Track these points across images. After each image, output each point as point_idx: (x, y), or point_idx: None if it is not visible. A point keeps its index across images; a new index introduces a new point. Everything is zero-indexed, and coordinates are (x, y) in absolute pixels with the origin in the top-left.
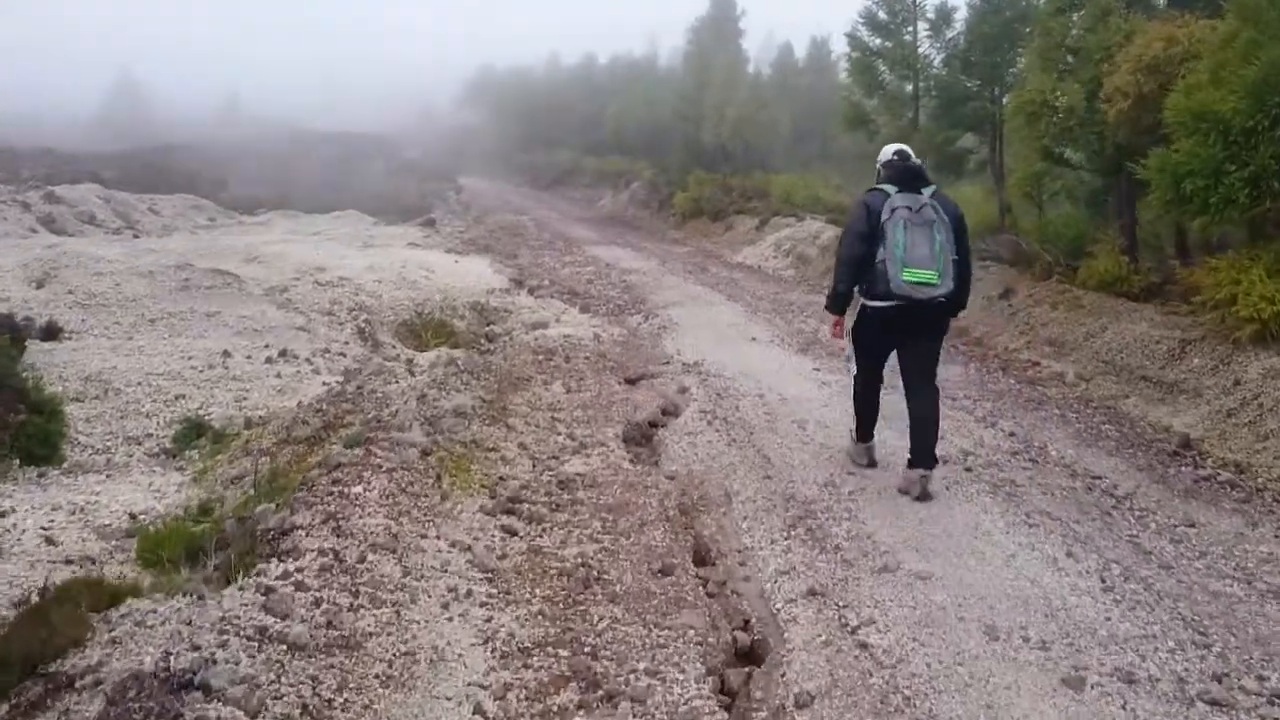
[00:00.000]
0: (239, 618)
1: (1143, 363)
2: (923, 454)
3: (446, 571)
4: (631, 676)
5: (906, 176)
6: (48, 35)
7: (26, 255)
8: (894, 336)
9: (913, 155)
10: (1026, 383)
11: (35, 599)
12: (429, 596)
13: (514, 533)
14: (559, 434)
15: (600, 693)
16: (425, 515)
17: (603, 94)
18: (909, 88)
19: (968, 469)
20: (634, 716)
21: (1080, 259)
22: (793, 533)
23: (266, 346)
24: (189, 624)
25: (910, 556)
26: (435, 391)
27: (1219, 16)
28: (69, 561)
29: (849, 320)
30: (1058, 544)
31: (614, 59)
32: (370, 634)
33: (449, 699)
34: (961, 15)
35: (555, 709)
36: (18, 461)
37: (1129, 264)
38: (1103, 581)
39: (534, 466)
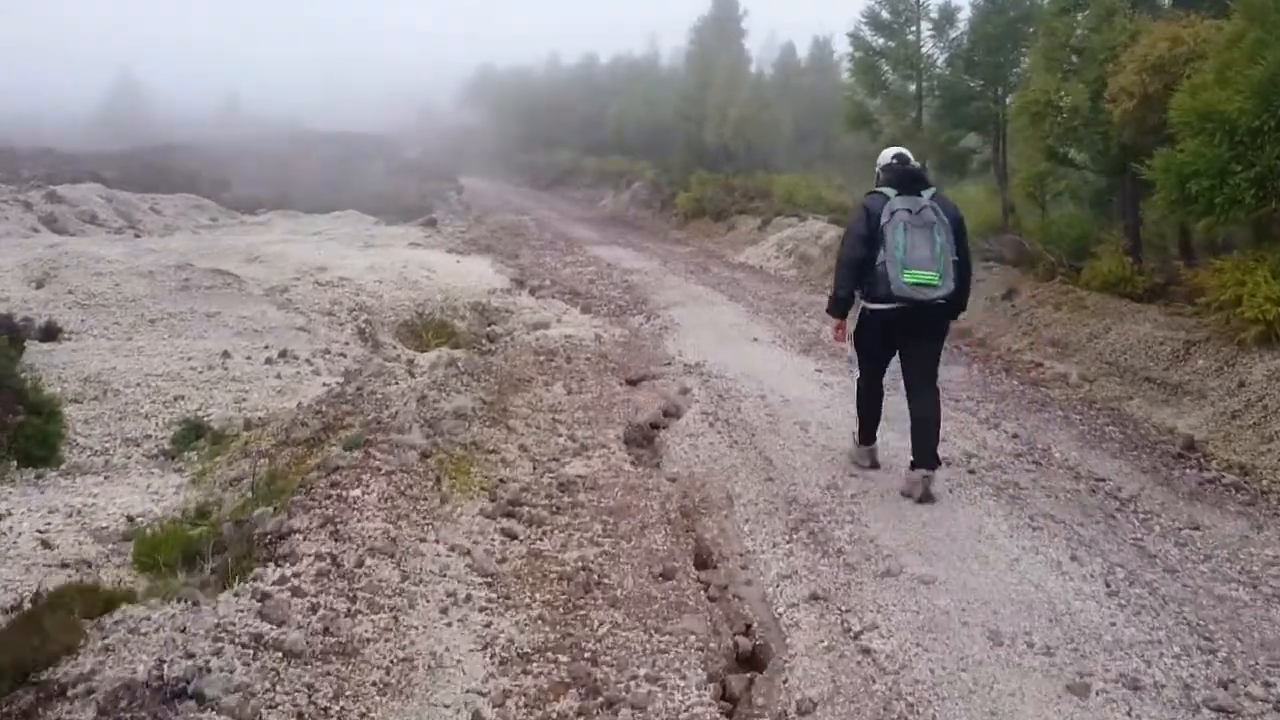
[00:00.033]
0: (234, 624)
1: (1147, 364)
2: (925, 455)
3: (445, 576)
4: (632, 683)
5: (906, 179)
6: (48, 35)
7: (26, 255)
8: (895, 338)
9: (912, 158)
10: (1029, 384)
11: (28, 605)
12: (427, 601)
13: (514, 536)
14: (560, 436)
15: (600, 699)
16: (424, 518)
17: (604, 94)
18: (912, 88)
19: (971, 471)
20: None
21: (1084, 259)
22: (795, 536)
23: (266, 347)
24: (183, 631)
25: (913, 560)
26: (435, 393)
27: (1225, 16)
28: (65, 565)
29: (850, 323)
30: (1062, 547)
31: (615, 59)
32: (367, 640)
33: (447, 706)
34: (965, 15)
35: (555, 716)
36: (15, 463)
37: (1133, 265)
38: (1107, 586)
39: (534, 469)
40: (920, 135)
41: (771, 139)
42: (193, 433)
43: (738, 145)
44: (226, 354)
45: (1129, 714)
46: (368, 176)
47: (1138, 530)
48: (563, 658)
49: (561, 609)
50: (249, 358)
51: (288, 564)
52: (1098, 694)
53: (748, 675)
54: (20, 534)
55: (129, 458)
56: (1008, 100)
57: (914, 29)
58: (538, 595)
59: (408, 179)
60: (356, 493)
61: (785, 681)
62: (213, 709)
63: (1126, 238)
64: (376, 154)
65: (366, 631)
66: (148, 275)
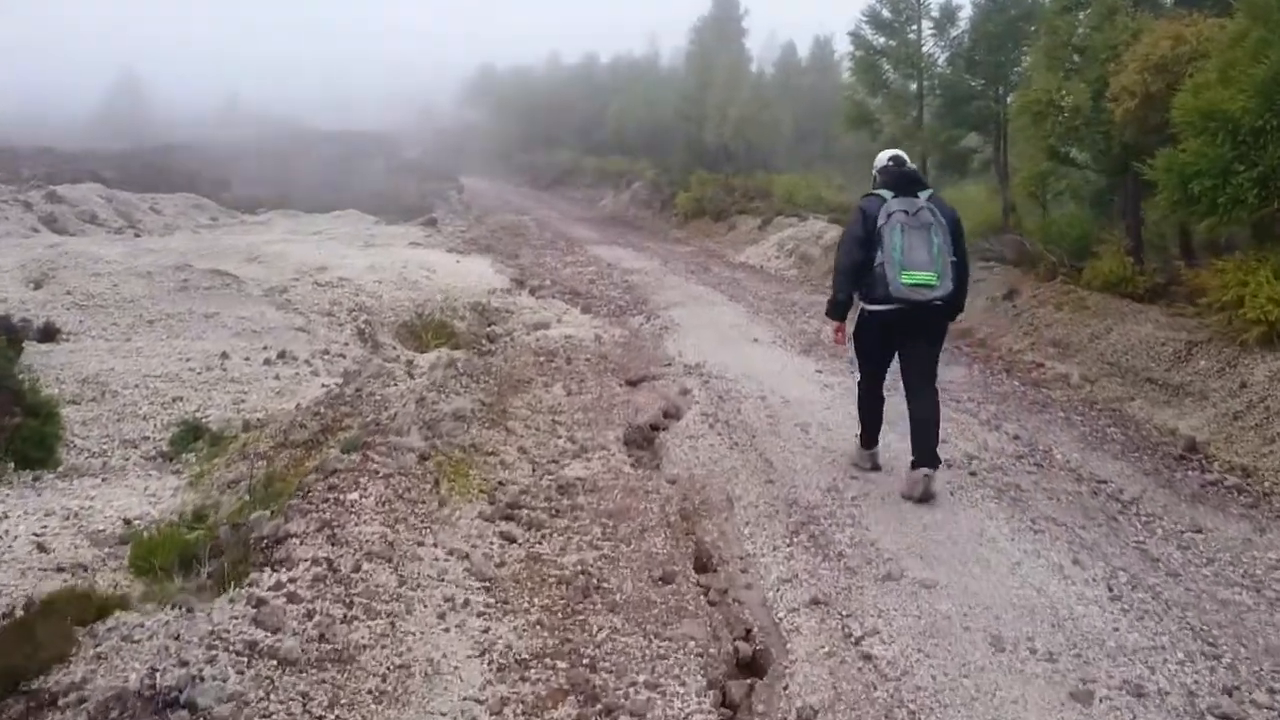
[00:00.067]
0: (228, 632)
1: (1148, 365)
2: (925, 453)
3: (443, 580)
4: (631, 690)
5: (902, 181)
6: (48, 34)
7: (25, 255)
8: (894, 339)
9: (908, 160)
10: (1030, 385)
11: (20, 612)
12: (425, 607)
13: (513, 539)
14: (559, 437)
15: (599, 707)
16: (422, 522)
17: (604, 93)
18: (913, 87)
19: (972, 473)
20: None
21: (1085, 259)
22: (795, 539)
23: (265, 348)
24: (177, 639)
25: (914, 564)
26: (434, 394)
27: (1227, 15)
28: (60, 569)
29: (850, 325)
30: (1064, 551)
31: (615, 58)
32: (364, 647)
33: (444, 715)
34: (966, 14)
35: None
36: (12, 465)
37: (1134, 265)
38: (1110, 590)
39: (534, 471)
40: (921, 134)
41: (772, 139)
42: (191, 434)
43: (738, 145)
44: (225, 355)
45: None
46: (368, 176)
47: (1140, 533)
48: (561, 664)
49: (560, 614)
50: (248, 359)
51: (284, 569)
52: (1101, 701)
53: (748, 681)
54: (16, 537)
55: (127, 459)
56: (1009, 99)
57: (915, 28)
58: (536, 600)
59: (408, 178)
60: (354, 496)
61: (786, 688)
62: (205, 718)
63: (1128, 238)
64: (377, 153)
65: (363, 638)
66: (146, 276)
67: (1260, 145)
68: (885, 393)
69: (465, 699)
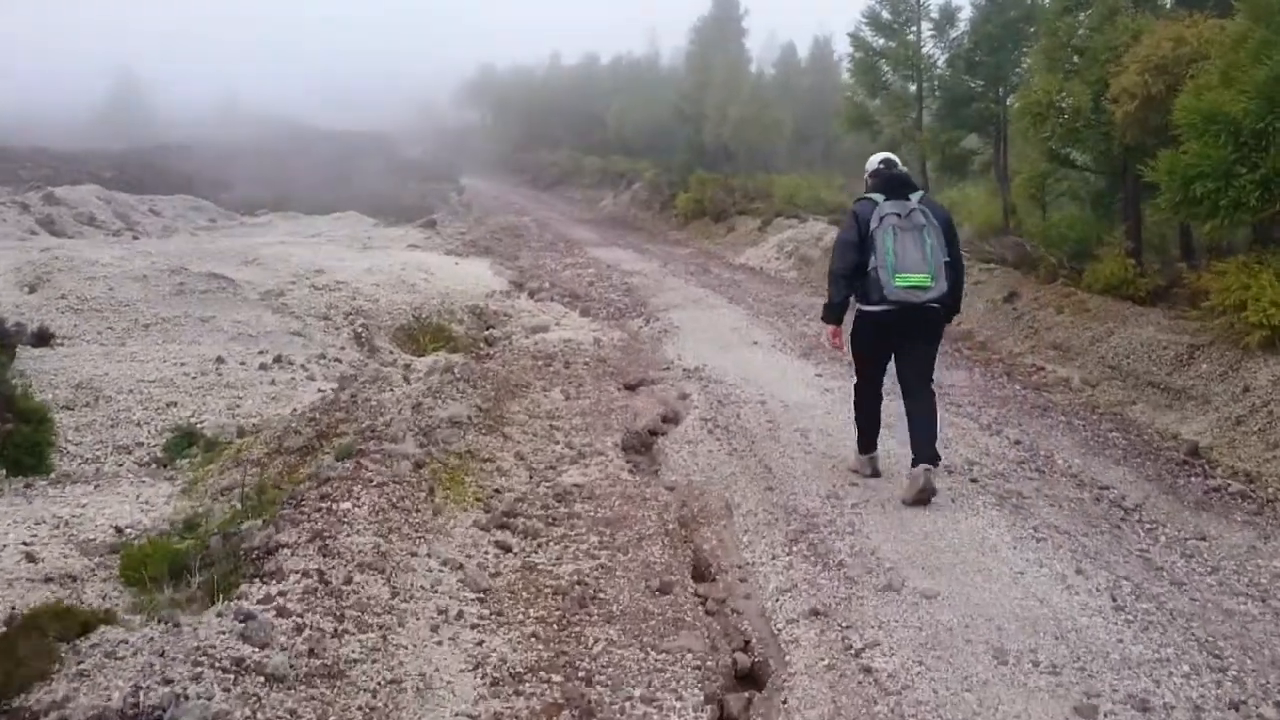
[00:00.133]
0: (215, 647)
1: (1150, 368)
2: (924, 449)
3: (437, 591)
4: (627, 704)
5: (894, 184)
6: (46, 35)
7: (20, 258)
8: (891, 341)
9: (899, 163)
10: (1031, 388)
11: (2, 627)
12: (418, 619)
13: (508, 549)
14: (557, 443)
15: None
16: (416, 532)
17: (604, 94)
18: (912, 88)
19: (973, 480)
20: None
21: (1085, 261)
22: (794, 548)
23: (261, 352)
24: (162, 655)
25: (915, 574)
26: (431, 400)
27: (1228, 16)
28: (49, 580)
29: (847, 329)
30: (1067, 560)
31: (615, 59)
32: (354, 661)
33: None
34: (966, 15)
35: None
36: (4, 472)
37: (1135, 267)
38: (1114, 600)
39: (530, 478)
40: (921, 136)
41: (772, 139)
42: (185, 440)
43: (738, 145)
44: (220, 359)
45: None
46: (368, 176)
47: (1143, 541)
48: (556, 677)
49: (555, 625)
50: (243, 363)
51: (274, 581)
52: (1106, 716)
53: (746, 694)
54: (5, 547)
55: (120, 466)
56: (1009, 101)
57: (914, 29)
58: (531, 611)
59: (408, 179)
60: (347, 505)
61: (785, 702)
62: None
63: (1128, 239)
64: (377, 153)
65: (353, 652)
66: (142, 279)
67: (1262, 147)
68: (884, 395)
69: (458, 714)
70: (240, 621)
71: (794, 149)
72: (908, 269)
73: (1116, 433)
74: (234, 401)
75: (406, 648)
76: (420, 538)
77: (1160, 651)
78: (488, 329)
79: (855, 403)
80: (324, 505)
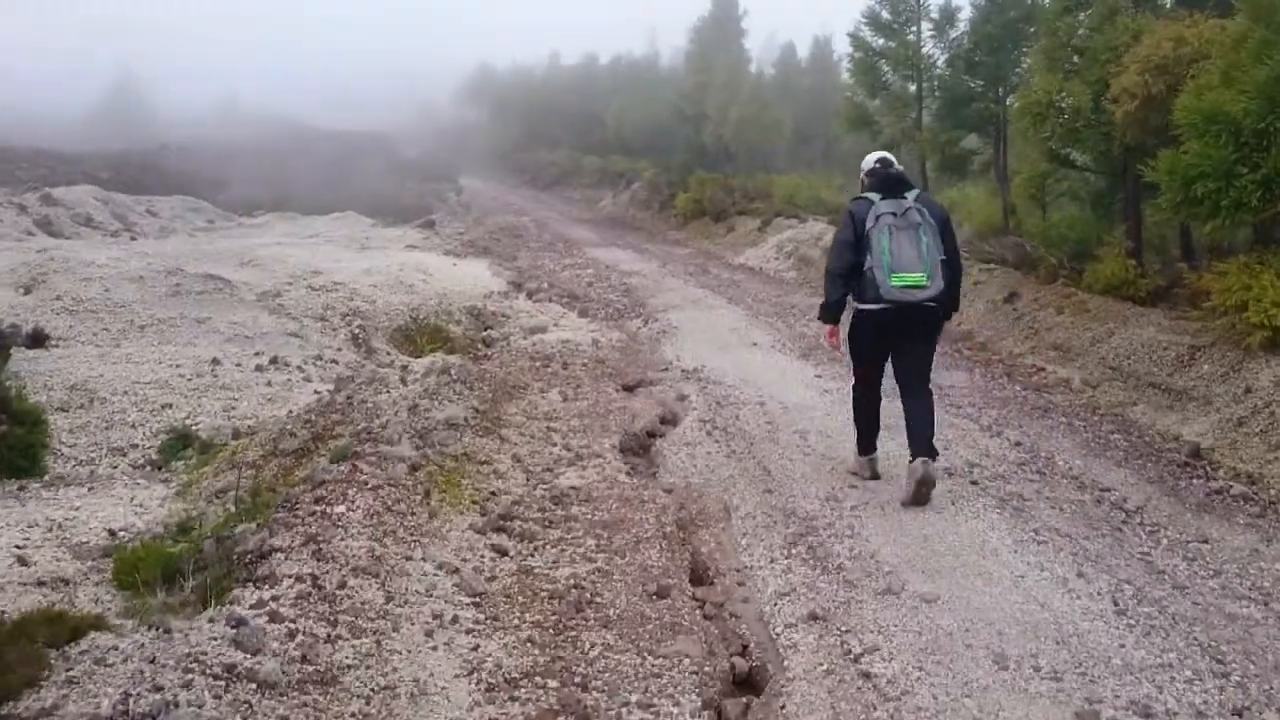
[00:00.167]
0: (206, 654)
1: (1150, 369)
2: (921, 444)
3: (432, 596)
4: (624, 710)
5: (890, 183)
6: (45, 34)
7: (15, 259)
8: (888, 341)
9: (895, 162)
10: (1032, 389)
11: None
12: (412, 624)
13: (504, 552)
14: (554, 445)
15: None
16: (411, 535)
17: (604, 94)
18: (912, 88)
19: (973, 482)
20: None
21: (1085, 262)
22: (793, 551)
23: (257, 354)
24: (152, 662)
25: (915, 577)
26: (427, 402)
27: (1229, 16)
28: (41, 583)
29: (844, 328)
30: (1068, 563)
31: (615, 58)
32: (348, 667)
33: None
34: (965, 15)
35: None
36: None
37: (1135, 267)
38: (1115, 604)
39: (527, 480)
40: (920, 136)
41: (771, 139)
42: (180, 442)
43: (738, 145)
44: (216, 361)
45: None
46: (367, 176)
47: (1145, 543)
48: (552, 683)
49: (552, 630)
50: (239, 364)
51: (267, 586)
52: None
53: (744, 699)
54: None
55: (115, 468)
56: (1009, 101)
57: (914, 29)
58: (527, 616)
59: (407, 179)
60: (341, 509)
61: (783, 707)
62: None
63: (1128, 240)
64: (376, 154)
65: (347, 658)
66: (138, 280)
67: (1263, 148)
68: (883, 396)
69: None
70: (232, 627)
71: (794, 149)
72: (903, 268)
73: (1117, 434)
74: (229, 403)
75: (400, 653)
76: (415, 541)
77: (1163, 656)
78: (485, 330)
79: (854, 404)
80: (318, 509)
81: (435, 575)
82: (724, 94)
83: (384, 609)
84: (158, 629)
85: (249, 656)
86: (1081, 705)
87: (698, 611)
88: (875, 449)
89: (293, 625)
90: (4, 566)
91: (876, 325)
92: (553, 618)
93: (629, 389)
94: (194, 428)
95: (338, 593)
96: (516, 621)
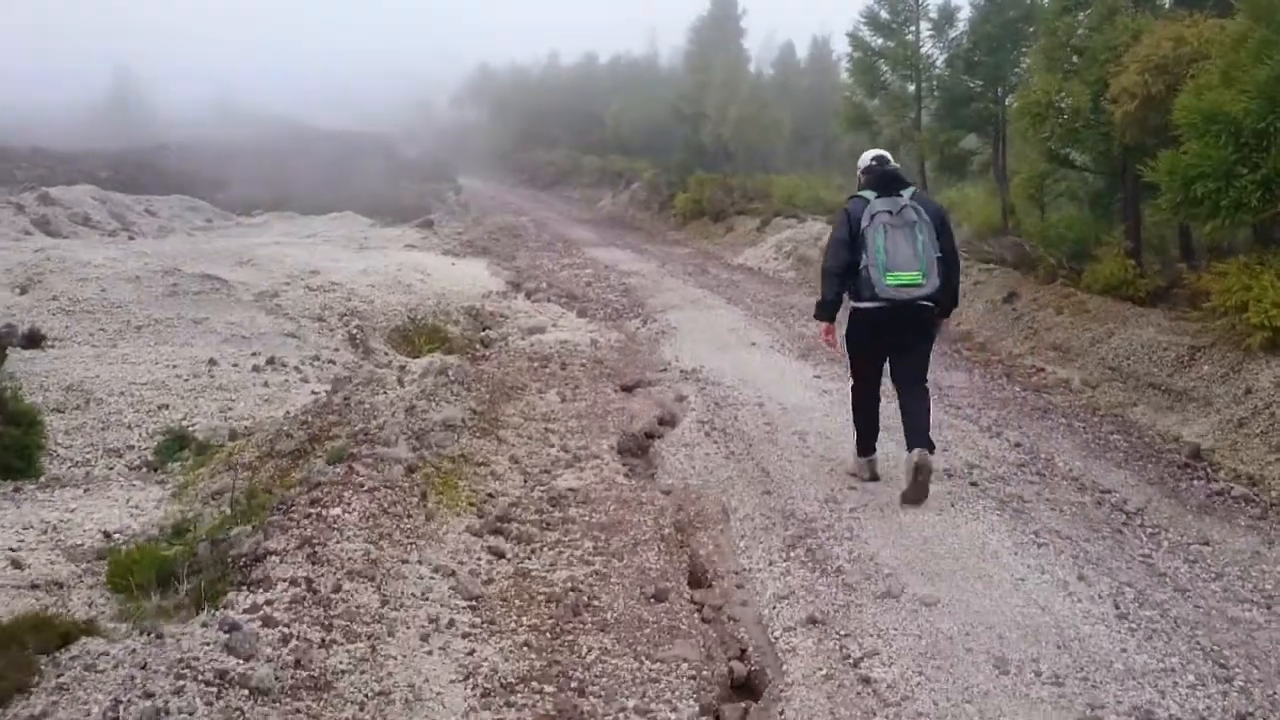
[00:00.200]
0: (198, 659)
1: (1150, 369)
2: (918, 436)
3: (427, 599)
4: (620, 715)
5: (886, 180)
6: (43, 33)
7: (12, 259)
8: (884, 340)
9: (891, 159)
10: (1031, 390)
11: None
12: (407, 628)
13: (501, 555)
14: (552, 446)
15: None
16: (407, 538)
17: (603, 93)
18: (911, 88)
19: (973, 483)
20: None
21: (1084, 262)
22: (792, 553)
23: (254, 354)
24: (143, 668)
25: (915, 580)
26: (425, 403)
27: (1228, 16)
28: (35, 586)
29: (840, 328)
30: (1068, 566)
31: (614, 58)
32: (342, 672)
33: None
34: (964, 15)
35: None
36: None
37: (1134, 267)
38: (1117, 607)
39: (525, 481)
40: (919, 136)
41: (770, 139)
42: (177, 443)
43: (737, 145)
44: (213, 361)
45: None
46: (366, 176)
47: (1146, 546)
48: (548, 688)
49: (548, 634)
50: (236, 365)
51: (261, 590)
52: None
53: (742, 705)
54: None
55: (110, 469)
56: (1008, 101)
57: (913, 29)
58: (524, 619)
59: (406, 179)
60: (337, 511)
61: (781, 713)
62: None
63: (1128, 240)
64: (375, 153)
65: (341, 663)
66: (134, 280)
67: (1263, 148)
68: (882, 397)
69: None
70: (225, 632)
71: (793, 149)
72: (898, 267)
73: (1117, 435)
74: (226, 404)
75: (396, 658)
76: (411, 544)
77: (1165, 661)
78: (484, 330)
79: (853, 405)
80: (314, 511)
81: (431, 578)
82: (723, 94)
83: (379, 613)
84: (149, 634)
85: (241, 662)
86: (1083, 711)
87: (696, 615)
88: (874, 450)
89: (286, 630)
90: None
91: (872, 324)
92: (549, 621)
93: (627, 389)
94: (190, 429)
95: (332, 596)
96: (513, 625)
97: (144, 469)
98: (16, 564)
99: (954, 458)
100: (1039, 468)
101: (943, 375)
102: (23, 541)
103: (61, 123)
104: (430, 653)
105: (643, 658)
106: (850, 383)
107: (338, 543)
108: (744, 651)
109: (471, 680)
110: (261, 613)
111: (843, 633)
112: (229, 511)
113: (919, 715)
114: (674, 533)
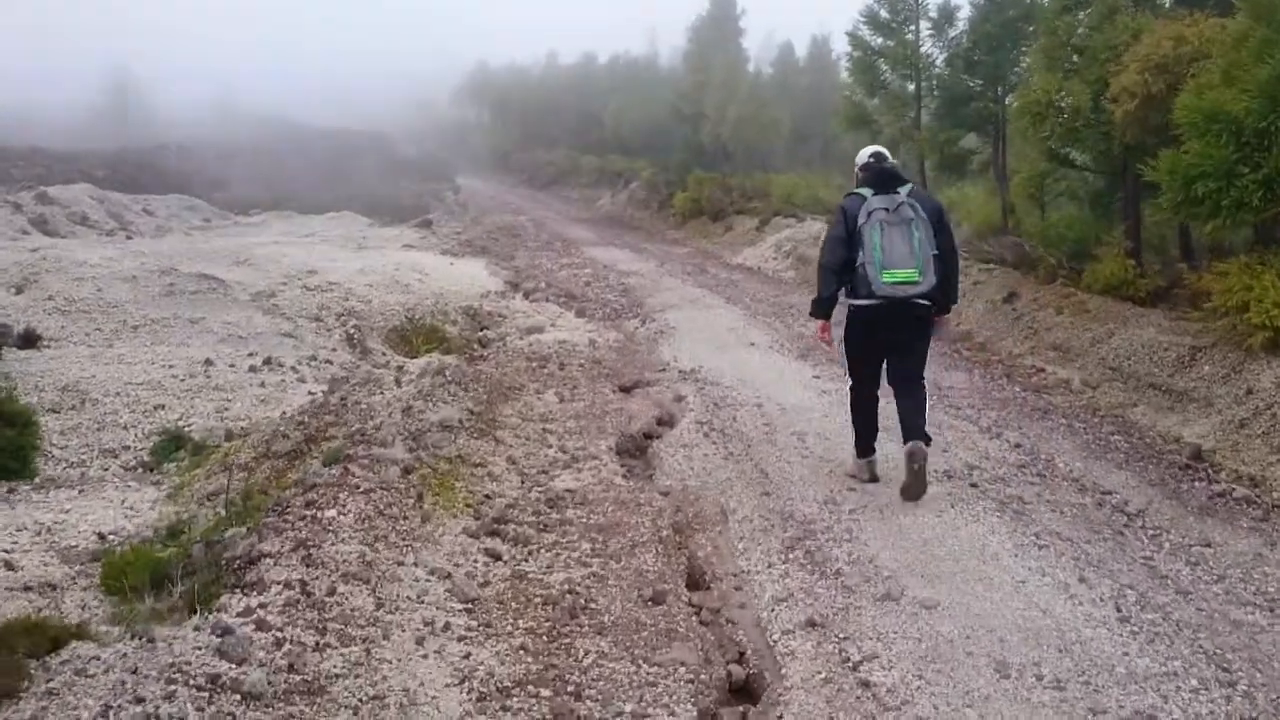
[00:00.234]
0: (190, 664)
1: (1151, 370)
2: (914, 430)
3: (423, 602)
4: (617, 719)
5: (883, 177)
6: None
7: (8, 259)
8: (880, 338)
9: (889, 156)
10: (1031, 390)
11: None
12: (403, 631)
13: (498, 557)
14: (550, 447)
15: None
16: (403, 540)
17: (602, 93)
18: (911, 87)
19: (973, 484)
20: None
21: (1084, 261)
22: (791, 555)
23: (251, 354)
24: (134, 672)
25: (915, 582)
26: (422, 403)
27: (1229, 15)
28: (28, 588)
29: (838, 327)
30: (1069, 568)
31: (613, 58)
32: (336, 676)
33: None
34: (964, 14)
35: None
36: None
37: (1135, 267)
38: (1118, 610)
39: (522, 483)
40: (919, 135)
41: (770, 139)
42: (173, 444)
43: (736, 145)
44: (209, 361)
45: None
46: (365, 176)
47: (1147, 548)
48: (545, 692)
49: (545, 637)
50: (232, 365)
51: (255, 593)
52: None
53: (740, 708)
54: None
55: (106, 470)
56: (1008, 100)
57: (913, 28)
58: (520, 622)
59: (405, 179)
60: (332, 513)
61: (780, 717)
62: None
63: (1128, 239)
64: (374, 153)
65: (335, 667)
66: (131, 280)
67: (1264, 147)
68: (880, 398)
69: None
70: (217, 636)
71: (792, 148)
72: (895, 264)
73: (1118, 436)
74: (222, 404)
75: (390, 662)
76: (407, 546)
77: (1167, 665)
78: (482, 330)
79: (852, 405)
80: (309, 513)
81: (427, 581)
82: (722, 93)
83: (374, 616)
84: (141, 638)
85: (234, 666)
86: (1085, 715)
87: (694, 618)
88: (874, 451)
89: (280, 633)
90: None
91: (868, 322)
92: (546, 624)
93: (626, 390)
94: (186, 429)
95: (327, 599)
96: (509, 628)
97: (139, 470)
98: (10, 566)
99: (954, 459)
100: (1039, 469)
101: (942, 375)
102: (16, 543)
103: (61, 122)
104: (425, 656)
105: (640, 661)
106: (849, 383)
107: (333, 545)
108: (742, 655)
109: (467, 684)
110: (255, 616)
111: (842, 636)
112: (224, 513)
113: (919, 719)
114: (672, 534)
